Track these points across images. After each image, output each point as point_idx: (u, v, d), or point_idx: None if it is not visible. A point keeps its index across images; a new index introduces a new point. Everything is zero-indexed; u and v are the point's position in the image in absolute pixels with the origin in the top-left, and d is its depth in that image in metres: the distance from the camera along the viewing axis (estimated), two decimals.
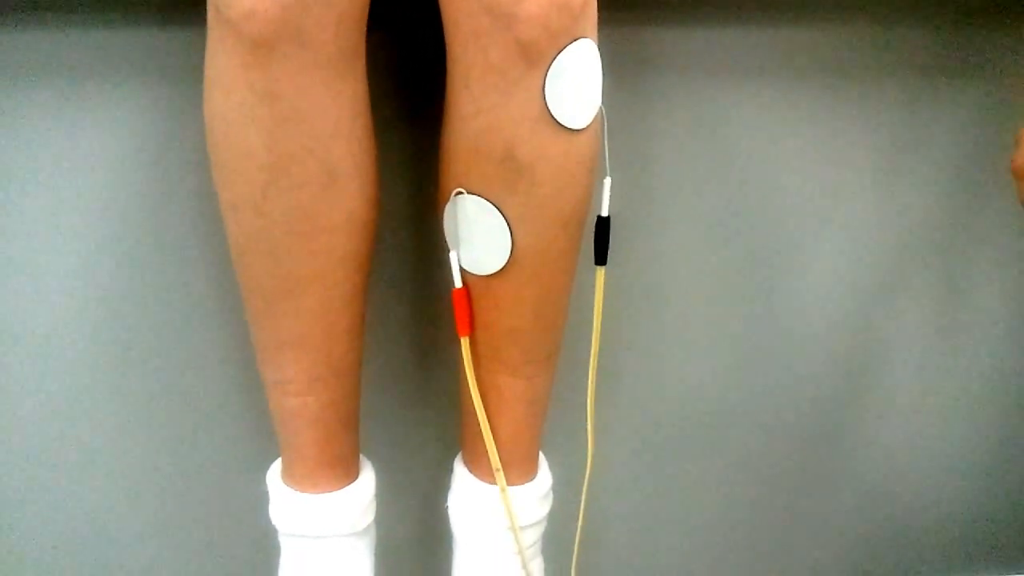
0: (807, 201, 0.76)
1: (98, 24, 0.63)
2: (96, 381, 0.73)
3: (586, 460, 0.68)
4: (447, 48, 0.54)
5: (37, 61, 0.64)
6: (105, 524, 0.76)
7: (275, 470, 0.64)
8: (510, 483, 0.64)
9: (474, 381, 0.61)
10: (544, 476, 0.66)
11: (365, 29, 0.53)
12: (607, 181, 0.60)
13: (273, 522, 0.64)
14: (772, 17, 0.70)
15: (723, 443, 0.83)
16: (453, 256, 0.58)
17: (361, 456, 0.66)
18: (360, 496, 0.63)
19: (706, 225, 0.76)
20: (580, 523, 0.69)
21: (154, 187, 0.68)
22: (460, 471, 0.66)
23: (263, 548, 0.66)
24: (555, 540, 0.71)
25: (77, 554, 0.77)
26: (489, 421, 0.62)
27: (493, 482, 0.64)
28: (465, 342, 0.60)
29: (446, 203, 0.57)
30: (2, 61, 0.64)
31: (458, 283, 0.59)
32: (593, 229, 0.61)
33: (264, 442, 0.64)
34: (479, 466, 0.65)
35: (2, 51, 0.63)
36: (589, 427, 0.67)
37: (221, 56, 0.51)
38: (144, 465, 0.76)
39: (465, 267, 0.58)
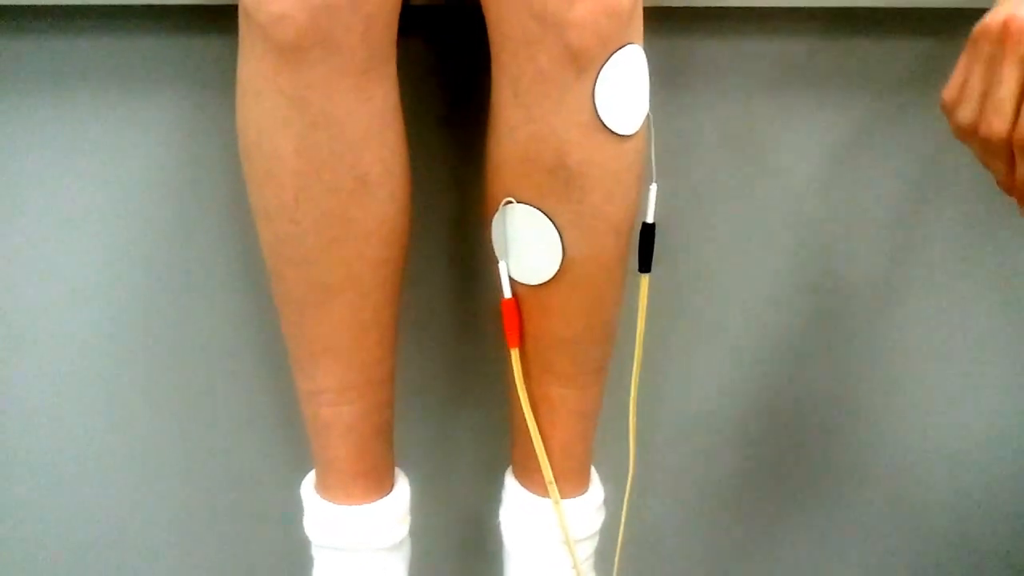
0: (849, 207, 0.76)
1: (134, 31, 0.63)
2: (128, 390, 0.72)
3: (628, 470, 0.67)
4: (493, 56, 0.54)
5: (72, 68, 0.64)
6: (135, 533, 0.76)
7: (309, 481, 0.64)
8: (563, 496, 0.63)
9: (525, 393, 0.60)
10: (596, 488, 0.66)
11: (395, 34, 0.53)
12: (653, 188, 0.59)
13: (307, 534, 0.63)
14: (816, 28, 0.70)
15: (769, 451, 0.82)
16: (503, 266, 0.58)
17: (396, 468, 0.65)
18: (394, 509, 0.62)
19: (748, 232, 0.75)
20: (621, 534, 0.68)
21: (187, 195, 0.68)
22: (511, 484, 0.66)
23: (297, 560, 0.65)
24: (596, 551, 0.70)
25: (106, 561, 0.76)
26: (541, 433, 0.61)
27: (545, 495, 0.63)
28: (515, 353, 0.60)
29: (494, 213, 0.57)
30: (37, 68, 0.63)
31: (507, 293, 0.58)
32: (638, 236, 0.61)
33: (300, 452, 0.63)
34: (531, 479, 0.64)
35: (37, 58, 0.63)
36: (631, 436, 0.66)
37: (252, 62, 0.51)
38: (177, 474, 0.75)
39: (515, 277, 0.58)
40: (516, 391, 0.61)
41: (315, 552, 0.63)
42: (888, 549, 0.88)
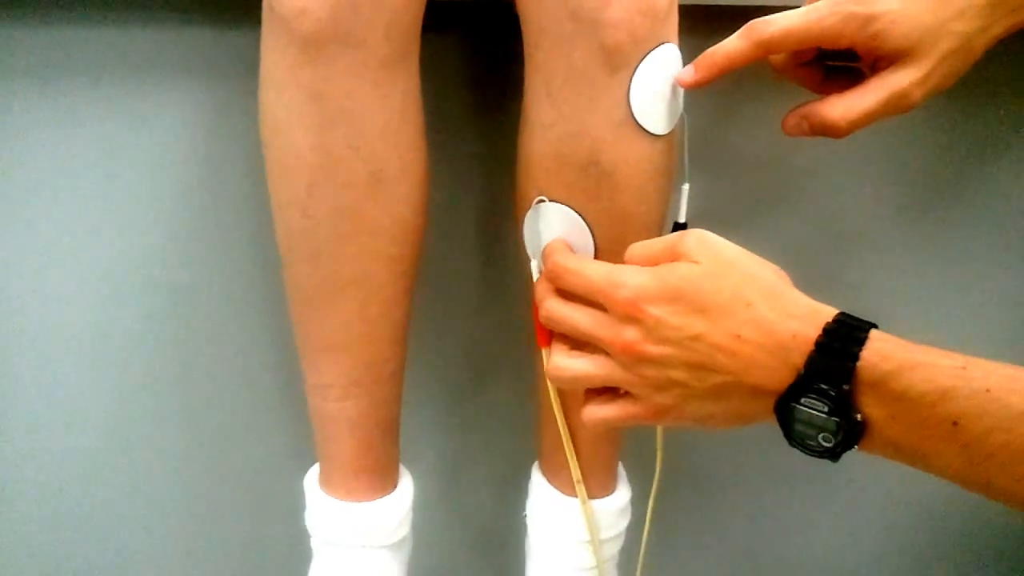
0: (878, 207, 0.75)
1: (156, 23, 0.64)
2: (133, 383, 0.72)
3: (654, 469, 0.67)
4: (527, 54, 0.54)
5: (92, 60, 0.64)
6: (137, 526, 0.76)
7: (313, 474, 0.63)
8: (590, 495, 0.63)
9: (555, 392, 0.60)
10: (624, 489, 0.66)
11: (419, 30, 0.53)
12: (685, 187, 0.59)
13: (307, 527, 0.63)
14: None
15: (791, 459, 0.82)
16: (534, 265, 0.57)
17: (401, 466, 0.65)
18: (396, 508, 0.62)
19: (780, 233, 0.75)
20: (645, 536, 0.68)
21: (204, 188, 0.68)
22: (538, 481, 0.65)
23: (301, 553, 0.65)
24: (620, 552, 0.70)
25: (108, 555, 0.76)
26: (571, 432, 0.61)
27: (572, 494, 0.63)
28: (546, 353, 0.59)
29: (525, 211, 0.57)
30: (56, 60, 0.64)
31: None
32: None
33: (305, 446, 0.63)
34: (558, 477, 0.64)
35: (55, 50, 0.63)
36: (659, 434, 0.66)
37: (274, 54, 0.51)
38: (181, 466, 0.75)
39: None
40: (545, 390, 0.60)
41: (314, 546, 0.63)
42: (913, 547, 0.87)
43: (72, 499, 0.75)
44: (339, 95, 0.50)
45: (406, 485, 0.64)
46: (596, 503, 0.63)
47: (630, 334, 0.47)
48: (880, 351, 0.43)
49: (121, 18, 0.63)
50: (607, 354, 0.49)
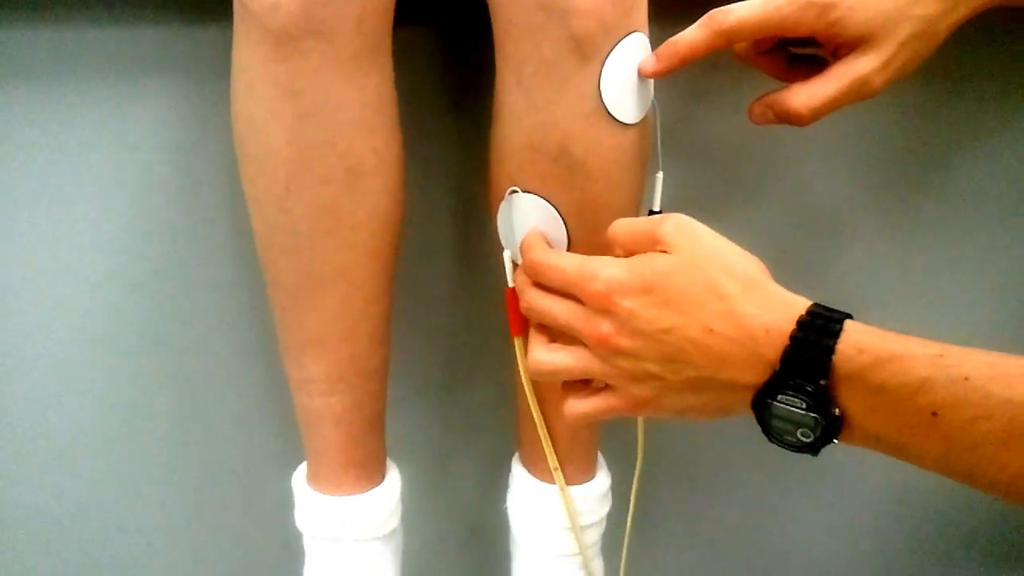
0: (854, 199, 0.76)
1: (128, 21, 0.63)
2: (121, 382, 0.72)
3: (636, 455, 0.67)
4: (497, 44, 0.54)
5: (64, 58, 0.63)
6: (127, 525, 0.76)
7: (301, 473, 0.64)
8: (569, 482, 0.63)
9: (529, 381, 0.60)
10: (603, 475, 0.66)
11: (391, 23, 0.53)
12: (659, 176, 0.59)
13: (298, 525, 0.63)
14: None
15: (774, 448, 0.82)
16: (507, 255, 0.58)
17: (388, 459, 0.65)
18: (385, 500, 0.63)
19: (755, 222, 0.75)
20: (629, 524, 0.69)
21: (181, 185, 0.68)
22: (518, 471, 0.66)
23: (289, 551, 0.66)
24: (603, 544, 0.70)
25: (98, 554, 0.76)
26: (546, 420, 0.62)
27: (552, 481, 0.63)
28: (519, 342, 0.60)
29: (498, 202, 0.57)
30: (28, 59, 0.63)
31: (511, 282, 0.58)
32: None
33: (292, 444, 0.63)
34: (537, 465, 0.64)
35: (27, 49, 0.63)
36: (639, 424, 0.66)
37: (246, 51, 0.51)
38: (170, 466, 0.75)
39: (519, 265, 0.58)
40: (520, 380, 0.61)
41: (307, 544, 0.64)
42: (895, 535, 0.88)
43: (60, 501, 0.74)
44: (313, 90, 0.50)
45: (393, 477, 0.64)
46: (575, 489, 0.63)
47: (604, 327, 0.47)
48: (856, 343, 0.43)
49: (93, 16, 0.63)
50: (586, 346, 0.49)
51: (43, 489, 0.74)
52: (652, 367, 0.47)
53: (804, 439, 0.45)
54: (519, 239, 0.57)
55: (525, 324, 0.60)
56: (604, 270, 0.47)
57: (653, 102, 0.55)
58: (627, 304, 0.46)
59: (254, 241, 0.57)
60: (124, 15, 0.63)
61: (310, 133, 0.51)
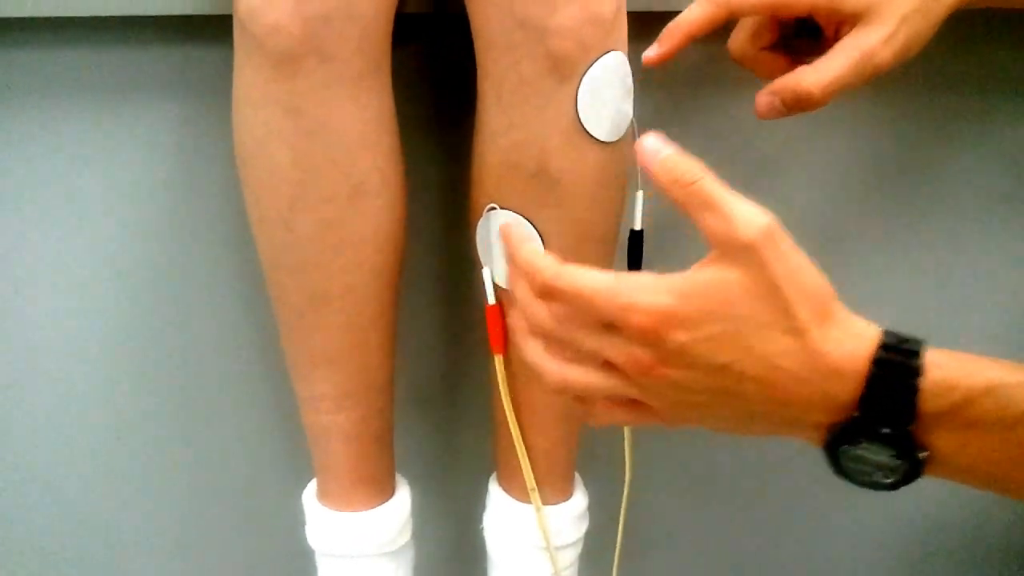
0: (842, 211, 0.75)
1: (130, 42, 0.64)
2: (129, 398, 0.73)
3: (624, 478, 0.67)
4: (478, 62, 0.54)
5: (69, 79, 0.64)
6: (137, 542, 0.76)
7: (311, 490, 0.64)
8: (545, 503, 0.63)
9: (508, 399, 0.60)
10: (580, 495, 0.65)
11: (390, 43, 0.53)
12: (640, 194, 0.59)
13: (309, 542, 0.63)
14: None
15: (767, 444, 0.81)
16: (486, 272, 0.58)
17: (397, 475, 0.65)
18: (395, 515, 0.63)
19: None
20: (619, 544, 0.68)
21: (184, 205, 0.68)
22: (495, 491, 0.65)
23: (300, 570, 0.65)
24: (593, 562, 0.70)
25: (108, 570, 0.76)
26: (524, 440, 0.61)
27: (528, 501, 0.63)
28: (499, 360, 0.60)
29: (478, 219, 0.57)
30: (34, 79, 0.64)
31: (492, 300, 0.58)
32: (626, 243, 0.60)
33: (302, 461, 0.63)
34: (514, 485, 0.64)
35: (34, 69, 0.64)
36: (627, 444, 0.66)
37: (247, 72, 0.51)
38: (179, 482, 0.75)
39: (499, 283, 0.58)
40: (499, 398, 0.61)
41: (318, 560, 0.64)
42: (886, 542, 0.86)
43: (68, 519, 0.75)
44: (316, 109, 0.51)
45: (403, 492, 0.64)
46: (551, 509, 0.63)
47: (647, 355, 0.41)
48: (943, 381, 0.38)
49: (94, 36, 0.64)
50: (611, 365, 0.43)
51: (48, 504, 0.75)
52: (702, 398, 0.41)
53: (884, 480, 0.41)
54: (498, 256, 0.57)
55: (505, 342, 0.60)
56: (643, 296, 0.40)
57: (632, 120, 0.55)
58: (678, 338, 0.40)
59: (258, 258, 0.57)
60: (122, 36, 0.64)
61: (314, 152, 0.52)
